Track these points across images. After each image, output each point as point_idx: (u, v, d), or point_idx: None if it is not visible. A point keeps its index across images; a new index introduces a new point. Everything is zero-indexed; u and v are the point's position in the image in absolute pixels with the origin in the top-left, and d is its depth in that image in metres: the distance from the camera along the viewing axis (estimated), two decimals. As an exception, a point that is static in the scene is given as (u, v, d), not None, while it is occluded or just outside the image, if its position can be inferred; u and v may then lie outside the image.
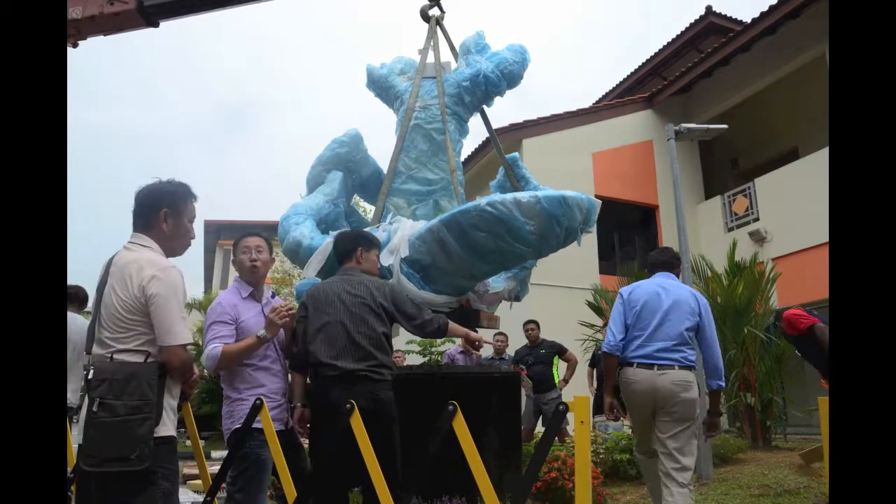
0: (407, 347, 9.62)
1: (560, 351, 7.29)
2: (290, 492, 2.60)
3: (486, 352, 7.68)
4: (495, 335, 7.21)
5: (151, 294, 2.06)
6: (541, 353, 7.20)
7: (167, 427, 2.09)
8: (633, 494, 4.98)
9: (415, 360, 8.77)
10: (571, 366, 7.21)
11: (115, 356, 2.02)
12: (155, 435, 1.99)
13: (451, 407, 2.27)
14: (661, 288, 3.54)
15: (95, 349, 2.08)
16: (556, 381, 7.18)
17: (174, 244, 2.29)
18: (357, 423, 2.31)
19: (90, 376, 1.98)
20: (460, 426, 2.23)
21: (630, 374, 3.34)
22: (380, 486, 2.28)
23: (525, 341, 7.47)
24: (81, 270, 5.71)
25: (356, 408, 2.35)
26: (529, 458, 2.42)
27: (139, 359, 2.05)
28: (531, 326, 7.35)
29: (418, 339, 9.33)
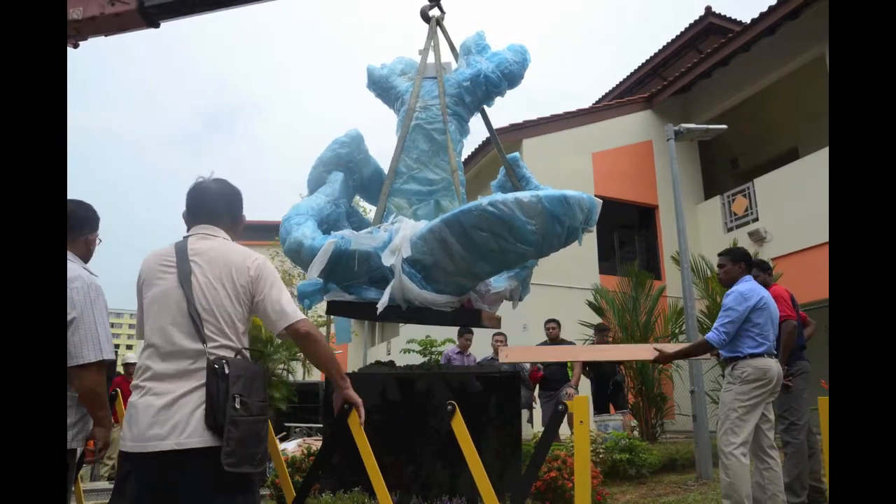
0: (407, 346, 9.63)
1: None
2: (290, 492, 2.60)
3: (486, 351, 7.69)
4: (494, 335, 7.22)
5: (264, 279, 2.04)
6: None
7: None
8: (632, 494, 4.98)
9: (415, 359, 8.77)
10: (577, 371, 7.25)
11: (238, 355, 1.96)
12: None
13: (450, 407, 2.27)
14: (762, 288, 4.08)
15: (209, 344, 1.94)
16: (570, 377, 7.23)
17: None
18: (354, 422, 2.31)
19: (227, 371, 1.87)
20: (459, 426, 2.23)
21: (765, 363, 3.81)
22: (378, 484, 2.28)
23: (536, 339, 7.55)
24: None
25: (354, 407, 2.35)
26: (529, 458, 2.43)
27: (249, 357, 2.02)
28: (552, 325, 7.40)
29: (418, 338, 9.34)
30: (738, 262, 4.09)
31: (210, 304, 1.98)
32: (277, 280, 2.11)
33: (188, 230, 2.19)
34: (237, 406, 1.84)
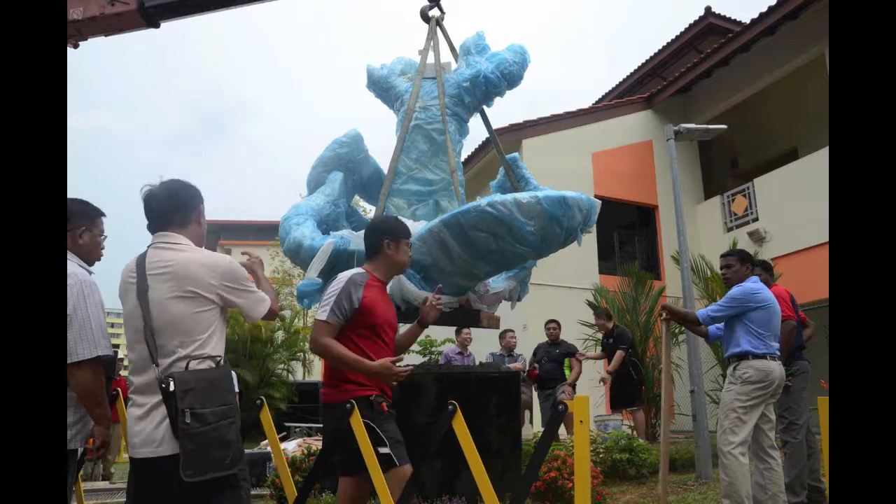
0: (407, 347, 9.62)
1: (573, 352, 7.35)
2: (291, 491, 2.61)
3: (485, 351, 7.70)
4: (507, 331, 7.27)
5: (228, 287, 2.10)
6: (555, 353, 7.29)
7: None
8: (632, 494, 4.99)
9: (415, 359, 8.78)
10: (576, 371, 7.24)
11: (190, 364, 1.99)
12: None
13: (450, 407, 2.27)
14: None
15: (163, 359, 2.00)
16: (567, 377, 7.23)
17: (199, 246, 2.25)
18: (357, 422, 2.31)
19: (172, 388, 1.92)
20: (460, 426, 2.23)
21: (767, 364, 3.81)
22: (379, 484, 2.28)
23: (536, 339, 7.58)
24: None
25: (356, 407, 2.34)
26: (529, 458, 2.43)
27: (211, 364, 2.04)
28: (552, 326, 7.41)
29: (419, 338, 9.34)
30: (746, 263, 4.11)
31: (165, 319, 2.02)
32: (243, 281, 2.17)
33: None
34: (188, 420, 1.90)
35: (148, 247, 2.17)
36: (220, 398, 1.99)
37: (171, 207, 2.18)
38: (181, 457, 1.88)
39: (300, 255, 4.13)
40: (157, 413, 1.97)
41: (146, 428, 1.97)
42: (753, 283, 4.00)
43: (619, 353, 7.11)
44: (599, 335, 9.13)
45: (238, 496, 2.02)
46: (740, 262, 4.11)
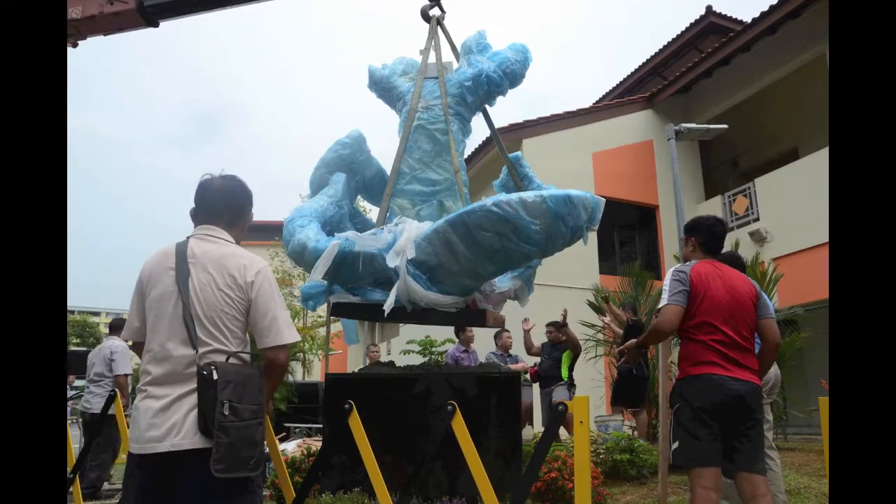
0: (407, 347, 9.62)
1: (573, 348, 7.30)
2: (290, 492, 2.60)
3: (487, 349, 7.70)
4: (503, 331, 7.23)
5: (259, 291, 2.01)
6: (555, 353, 7.25)
7: None
8: (633, 494, 4.98)
9: (415, 360, 8.77)
10: (573, 342, 7.14)
11: (230, 359, 1.95)
12: None
13: (450, 407, 2.27)
14: None
15: (201, 347, 1.94)
16: (564, 376, 7.18)
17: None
18: (355, 422, 2.30)
19: (215, 377, 1.86)
20: (460, 426, 2.23)
21: None
22: (378, 484, 2.28)
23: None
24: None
25: (354, 407, 2.34)
26: (529, 458, 2.42)
27: (248, 361, 2.01)
28: (551, 329, 7.37)
29: (418, 338, 9.34)
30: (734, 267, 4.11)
31: (205, 307, 1.98)
32: (275, 294, 2.08)
33: (194, 229, 2.19)
34: (226, 412, 1.84)
35: (189, 237, 2.14)
36: (254, 397, 1.94)
37: (228, 205, 2.18)
38: (214, 450, 1.81)
39: (305, 257, 4.13)
40: (182, 404, 1.89)
41: (168, 420, 1.88)
42: None
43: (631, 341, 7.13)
44: (600, 336, 9.15)
45: (253, 500, 1.95)
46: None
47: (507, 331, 7.40)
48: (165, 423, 1.88)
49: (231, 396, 1.86)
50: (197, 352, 1.93)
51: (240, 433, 1.86)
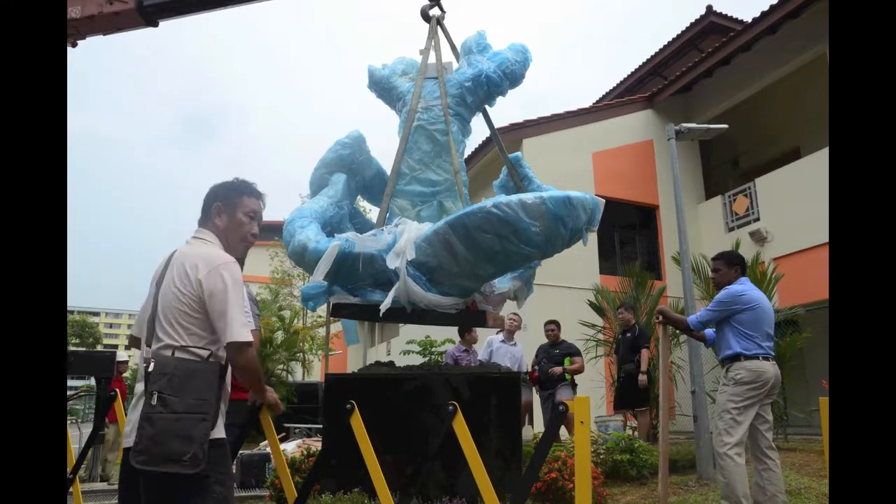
0: (407, 347, 9.63)
1: (573, 353, 7.32)
2: (291, 492, 2.60)
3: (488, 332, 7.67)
4: (510, 314, 7.19)
5: (209, 290, 2.00)
6: (554, 354, 7.26)
7: (220, 430, 2.00)
8: (633, 495, 4.98)
9: (415, 360, 8.77)
10: (578, 366, 7.22)
11: (176, 353, 1.96)
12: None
13: (451, 407, 2.27)
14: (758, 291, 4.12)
15: (154, 344, 2.00)
16: (567, 376, 7.19)
17: (230, 239, 2.22)
18: (357, 422, 2.30)
19: (150, 369, 1.90)
20: (461, 426, 2.23)
21: (759, 365, 3.81)
22: (378, 484, 2.28)
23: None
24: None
25: (356, 407, 2.34)
26: (529, 458, 2.42)
27: (202, 356, 2.00)
28: (551, 327, 7.38)
29: (418, 339, 9.35)
30: (734, 266, 4.16)
31: (163, 306, 2.05)
32: (229, 293, 2.01)
33: None
34: (153, 402, 1.85)
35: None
36: (196, 392, 1.91)
37: (203, 205, 2.27)
38: (135, 440, 1.84)
39: (305, 258, 4.13)
40: (141, 401, 1.94)
41: (132, 417, 1.97)
42: (740, 286, 4.03)
43: (644, 352, 7.15)
44: (600, 336, 9.15)
45: (205, 500, 1.89)
46: (727, 265, 4.15)
47: (516, 313, 7.31)
48: (131, 419, 1.98)
49: (163, 388, 1.87)
50: (151, 348, 2.00)
51: (168, 425, 1.84)
